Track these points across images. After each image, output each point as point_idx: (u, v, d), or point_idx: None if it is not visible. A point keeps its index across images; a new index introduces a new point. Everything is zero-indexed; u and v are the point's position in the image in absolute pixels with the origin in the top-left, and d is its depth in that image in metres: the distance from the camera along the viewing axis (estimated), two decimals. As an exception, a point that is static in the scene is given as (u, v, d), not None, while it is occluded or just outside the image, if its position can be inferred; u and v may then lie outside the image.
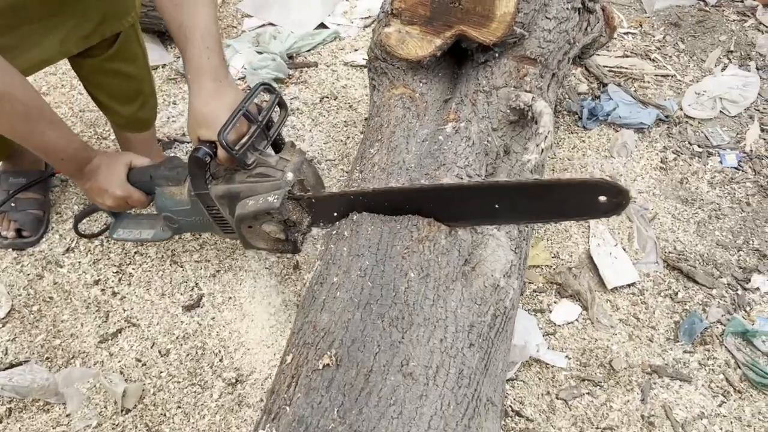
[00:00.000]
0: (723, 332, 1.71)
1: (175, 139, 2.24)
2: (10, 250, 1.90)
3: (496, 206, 1.27)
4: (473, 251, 1.35)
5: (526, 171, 1.48)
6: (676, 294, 1.80)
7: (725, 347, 1.68)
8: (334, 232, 1.39)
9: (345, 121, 2.31)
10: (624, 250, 1.90)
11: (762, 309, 1.76)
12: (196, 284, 1.81)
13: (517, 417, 1.56)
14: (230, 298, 1.77)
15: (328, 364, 1.13)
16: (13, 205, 1.93)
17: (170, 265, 1.85)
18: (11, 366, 1.64)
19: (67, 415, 1.56)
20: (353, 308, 1.21)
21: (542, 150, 1.40)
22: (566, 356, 1.67)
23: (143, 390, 1.60)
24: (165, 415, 1.56)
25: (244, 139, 1.39)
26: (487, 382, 1.28)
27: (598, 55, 2.52)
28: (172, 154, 2.15)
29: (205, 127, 1.37)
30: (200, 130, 1.38)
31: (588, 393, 1.60)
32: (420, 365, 1.15)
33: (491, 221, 1.33)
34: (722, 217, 1.99)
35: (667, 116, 2.27)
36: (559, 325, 1.74)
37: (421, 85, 1.68)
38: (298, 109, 2.36)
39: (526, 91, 1.58)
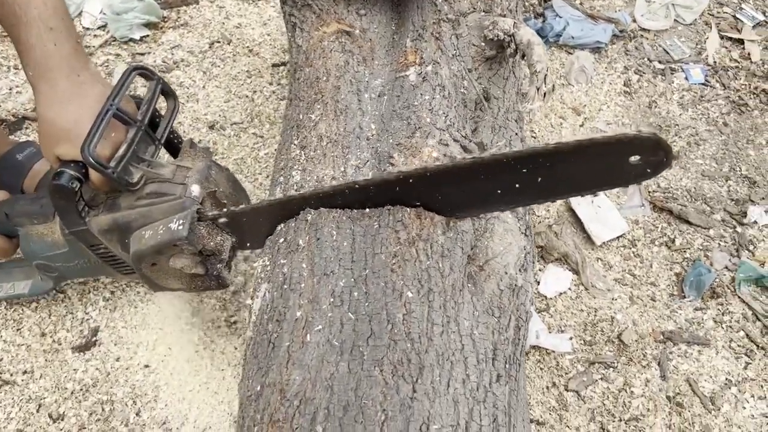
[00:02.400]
0: (734, 280, 1.48)
1: (24, 116, 1.69)
2: None
3: (504, 186, 0.92)
4: (476, 243, 1.01)
5: (519, 126, 1.13)
6: (673, 241, 1.55)
7: (739, 297, 1.46)
8: (281, 239, 0.99)
9: (247, 71, 1.84)
10: (606, 195, 1.62)
11: (766, 247, 1.55)
12: (87, 314, 1.35)
13: (526, 423, 1.27)
14: (135, 327, 1.34)
15: (316, 451, 0.77)
16: None
17: (45, 299, 1.38)
18: None
19: None
20: (335, 356, 0.84)
21: (545, 94, 1.05)
22: (569, 337, 1.39)
23: (36, 475, 1.17)
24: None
25: (121, 150, 0.95)
26: (517, 414, 0.97)
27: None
28: (24, 139, 1.61)
29: (65, 141, 0.95)
30: (58, 148, 0.96)
31: (601, 378, 1.34)
32: (446, 426, 0.81)
33: (496, 207, 0.97)
34: (701, 143, 1.75)
35: (621, 31, 1.98)
36: (551, 298, 1.45)
37: (359, 17, 1.27)
38: (183, 60, 1.87)
39: (500, 15, 1.21)
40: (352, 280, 0.90)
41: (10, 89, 1.77)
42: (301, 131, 1.12)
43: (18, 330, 1.34)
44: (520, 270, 1.01)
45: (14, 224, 1.15)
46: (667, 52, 1.96)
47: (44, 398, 1.25)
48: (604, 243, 1.54)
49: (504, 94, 1.23)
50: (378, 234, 0.93)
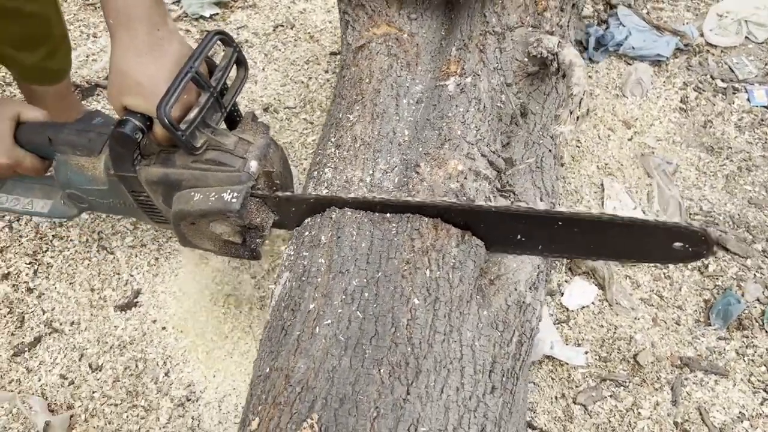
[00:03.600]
0: (764, 313, 1.46)
1: (97, 83, 1.81)
2: None
3: (544, 240, 0.98)
4: (490, 257, 1.04)
5: (554, 141, 1.15)
6: (706, 267, 1.54)
7: (766, 332, 1.44)
8: (307, 232, 1.05)
9: (306, 58, 1.90)
10: (644, 213, 1.61)
11: (804, 283, 1.52)
12: (131, 276, 1.46)
13: (529, 429, 1.31)
14: (173, 294, 1.44)
15: (309, 437, 0.83)
16: None
17: (98, 251, 1.49)
18: None
19: (-21, 453, 1.25)
20: (339, 351, 0.90)
21: (578, 118, 1.07)
22: (584, 351, 1.41)
23: (72, 416, 1.29)
24: (101, 449, 1.26)
25: (192, 114, 1.01)
26: (509, 424, 1.01)
27: (604, -33, 2.13)
28: (94, 108, 1.73)
29: (137, 94, 0.98)
30: (128, 98, 0.99)
31: (611, 395, 1.36)
32: (433, 430, 0.86)
33: (526, 252, 1.01)
34: (754, 169, 1.71)
35: (686, 44, 1.93)
36: (573, 311, 1.47)
37: (409, 21, 1.30)
38: (247, 41, 1.94)
39: (547, 32, 1.22)
40: (365, 280, 0.96)
41: (87, 56, 1.88)
42: (338, 130, 1.17)
43: (71, 284, 1.46)
44: (530, 288, 1.04)
45: (55, 150, 1.17)
46: (732, 71, 1.91)
47: (86, 349, 1.37)
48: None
49: (543, 110, 1.24)
50: (394, 239, 0.98)
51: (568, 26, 1.36)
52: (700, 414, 1.34)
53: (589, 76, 1.89)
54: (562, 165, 1.44)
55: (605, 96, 1.85)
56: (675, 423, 1.32)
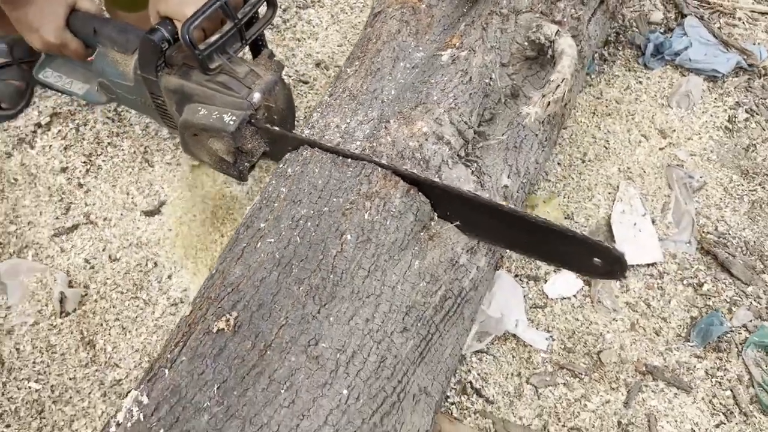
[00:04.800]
0: (745, 341, 1.43)
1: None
2: (-15, 121, 1.78)
3: (479, 221, 1.08)
4: (436, 217, 1.12)
5: (526, 125, 1.20)
6: (701, 285, 1.52)
7: (742, 359, 1.42)
8: (282, 165, 1.18)
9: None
10: (653, 222, 1.61)
11: (803, 321, 1.47)
12: (162, 188, 1.65)
13: (476, 396, 1.38)
14: (193, 207, 1.61)
15: (223, 329, 0.96)
16: (-6, 73, 1.79)
17: (141, 162, 1.70)
18: (-41, 248, 1.56)
19: (7, 308, 1.48)
20: (272, 265, 1.02)
21: (548, 103, 1.11)
22: (549, 336, 1.44)
23: (85, 295, 1.50)
24: (102, 325, 1.46)
25: (212, 39, 1.16)
26: (423, 372, 1.09)
27: (686, -23, 2.08)
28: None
29: (170, 2, 1.15)
30: (163, 5, 1.16)
31: (564, 384, 1.39)
32: (332, 348, 0.96)
33: (461, 229, 1.10)
34: (786, 201, 1.65)
35: (750, 65, 1.86)
36: (552, 299, 1.51)
37: (432, -6, 1.38)
38: (319, 1, 2.08)
39: (552, 21, 1.26)
40: (312, 212, 1.07)
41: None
42: (337, 82, 1.28)
43: (113, 186, 1.67)
44: (468, 251, 1.11)
45: (98, 41, 1.34)
46: (796, 99, 1.83)
47: (110, 242, 1.57)
48: (631, 266, 1.55)
49: (526, 99, 1.29)
50: (347, 181, 1.08)
51: (588, 21, 1.38)
52: (648, 421, 1.35)
53: (639, 82, 1.87)
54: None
55: (649, 103, 1.83)
56: (619, 422, 1.34)
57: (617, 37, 1.97)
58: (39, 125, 1.76)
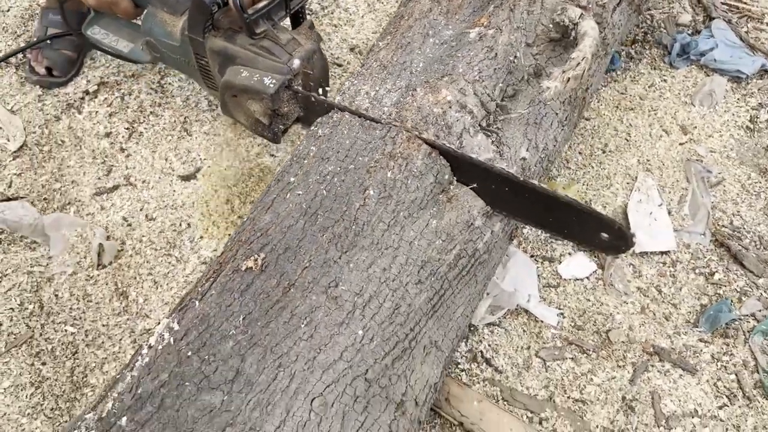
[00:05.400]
0: (753, 329, 1.47)
1: None
2: (37, 87, 1.89)
3: (492, 189, 1.15)
4: (455, 181, 1.18)
5: (546, 100, 1.26)
6: (713, 274, 1.55)
7: (749, 346, 1.45)
8: (314, 127, 1.25)
9: (402, 12, 2.09)
10: (669, 213, 1.65)
11: (811, 314, 1.49)
12: (198, 155, 1.74)
13: (485, 365, 1.43)
14: (227, 175, 1.70)
15: (251, 267, 1.04)
16: (48, 42, 1.91)
17: (180, 131, 1.79)
18: (8, 199, 1.66)
19: (49, 258, 1.58)
20: (299, 215, 1.10)
21: (567, 79, 1.17)
22: (560, 314, 1.49)
23: (121, 250, 1.59)
24: (135, 278, 1.54)
25: (260, 5, 1.26)
26: (435, 325, 1.15)
27: (717, -19, 2.12)
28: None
29: None
30: None
31: (572, 358, 1.44)
32: (350, 291, 1.03)
33: (479, 195, 1.18)
34: (802, 199, 1.68)
35: (775, 68, 1.90)
36: (566, 279, 1.56)
37: (464, -22, 1.45)
38: (358, -12, 2.17)
39: (578, 5, 1.32)
40: (339, 168, 1.14)
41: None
42: (370, 54, 1.36)
43: (153, 152, 1.76)
44: (483, 215, 1.17)
45: (147, 1, 1.43)
46: (820, 104, 1.85)
47: (148, 203, 1.67)
48: (644, 253, 1.59)
49: (546, 75, 1.35)
50: (373, 142, 1.15)
51: (613, 11, 1.44)
52: (652, 398, 1.39)
53: (664, 80, 1.92)
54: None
55: (673, 100, 1.87)
56: (623, 397, 1.39)
57: (645, 36, 2.02)
58: (87, 92, 1.87)
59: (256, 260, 1.04)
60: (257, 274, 1.03)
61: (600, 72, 1.50)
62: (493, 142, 1.22)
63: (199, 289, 1.05)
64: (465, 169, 1.15)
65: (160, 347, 0.99)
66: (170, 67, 1.78)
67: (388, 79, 1.26)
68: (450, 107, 1.18)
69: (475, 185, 1.15)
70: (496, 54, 1.26)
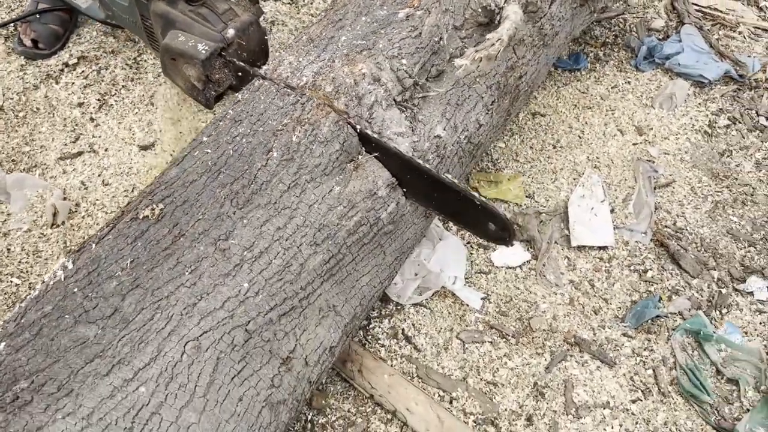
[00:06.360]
0: (677, 327, 1.45)
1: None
2: (22, 57, 1.99)
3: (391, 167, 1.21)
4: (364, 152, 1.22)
5: (456, 77, 1.28)
6: (646, 272, 1.55)
7: (670, 343, 1.44)
8: (239, 93, 1.30)
9: None
10: (613, 210, 1.65)
11: (739, 316, 1.47)
12: (160, 130, 1.81)
13: (405, 342, 1.45)
14: (179, 143, 1.76)
15: (147, 216, 1.09)
16: (38, 16, 2.01)
17: (147, 105, 1.86)
18: (-24, 158, 1.75)
19: (8, 214, 1.66)
20: (203, 171, 1.14)
21: (479, 59, 1.20)
22: (485, 298, 1.51)
23: (75, 211, 1.66)
24: (84, 238, 1.61)
25: None
26: (333, 289, 1.18)
27: (695, -11, 2.12)
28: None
29: None
30: None
31: (491, 342, 1.45)
32: (240, 245, 1.07)
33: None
34: (749, 204, 1.66)
35: (741, 75, 1.88)
36: (498, 267, 1.57)
37: (406, -37, 1.48)
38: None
39: (513, -8, 1.35)
40: (249, 130, 1.18)
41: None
42: (305, 29, 1.41)
43: (119, 123, 1.84)
44: (388, 186, 1.20)
45: None
46: (783, 113, 1.83)
47: (106, 169, 1.74)
48: (582, 246, 1.59)
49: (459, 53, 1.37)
50: (284, 107, 1.20)
51: (554, 1, 1.46)
52: (565, 386, 1.39)
53: (627, 82, 1.92)
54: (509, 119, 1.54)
55: (633, 102, 1.87)
56: (535, 383, 1.39)
57: (615, 39, 2.03)
58: (67, 65, 1.96)
59: (153, 210, 1.09)
60: (153, 222, 1.08)
61: (540, 63, 1.52)
62: (406, 117, 1.25)
63: (99, 234, 1.11)
64: (368, 142, 1.19)
65: (52, 283, 1.04)
66: (121, 26, 1.88)
67: (313, 52, 1.30)
68: (363, 79, 1.21)
69: (377, 154, 1.18)
70: (420, 33, 1.30)
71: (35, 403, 0.90)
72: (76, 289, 1.02)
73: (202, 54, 1.32)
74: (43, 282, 1.05)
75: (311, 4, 2.17)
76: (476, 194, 1.18)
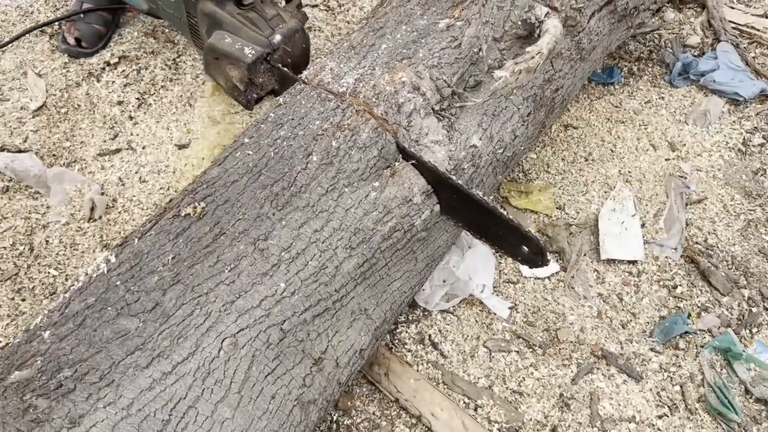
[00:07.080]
0: (706, 344, 1.45)
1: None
2: (66, 55, 2.04)
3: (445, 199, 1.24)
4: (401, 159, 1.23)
5: (495, 89, 1.30)
6: (675, 288, 1.55)
7: (699, 360, 1.43)
8: (281, 97, 1.33)
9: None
10: (644, 225, 1.65)
11: (770, 336, 1.47)
12: (197, 127, 1.84)
13: (431, 347, 1.47)
14: (215, 142, 1.79)
15: (189, 214, 1.12)
16: (82, 16, 2.06)
17: (185, 105, 1.90)
18: (20, 151, 1.80)
19: (47, 207, 1.71)
20: (244, 172, 1.17)
21: (519, 72, 1.21)
22: (512, 307, 1.51)
23: (112, 207, 1.70)
24: (120, 233, 1.65)
25: None
26: (366, 293, 1.20)
27: (732, 7, 2.11)
28: None
29: None
30: None
31: (517, 351, 1.46)
32: (278, 246, 1.10)
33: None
34: (783, 225, 1.65)
35: (777, 94, 1.87)
36: (526, 277, 1.58)
37: (446, -27, 1.50)
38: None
39: (548, 5, 1.36)
40: (289, 133, 1.21)
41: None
42: (346, 36, 1.43)
43: (157, 122, 1.87)
44: (423, 193, 1.21)
45: None
46: (819, 134, 1.82)
47: (143, 167, 1.78)
48: (611, 260, 1.60)
49: (499, 65, 1.38)
50: (325, 113, 1.22)
51: (591, 15, 1.47)
52: (591, 399, 1.39)
53: (661, 97, 1.92)
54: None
55: (667, 117, 1.87)
56: (561, 394, 1.40)
57: (650, 54, 2.03)
58: (108, 63, 2.01)
59: (195, 208, 1.12)
60: (194, 220, 1.11)
61: (576, 76, 1.53)
62: (444, 126, 1.26)
63: (142, 229, 1.14)
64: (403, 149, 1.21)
65: (95, 275, 1.07)
66: (163, 20, 1.90)
67: (354, 59, 1.32)
68: (403, 87, 1.23)
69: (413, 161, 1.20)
70: (460, 44, 1.31)
71: (78, 392, 0.93)
72: (118, 282, 1.04)
73: (249, 58, 1.35)
74: (86, 274, 1.08)
75: (347, 12, 2.20)
76: (510, 216, 1.19)
